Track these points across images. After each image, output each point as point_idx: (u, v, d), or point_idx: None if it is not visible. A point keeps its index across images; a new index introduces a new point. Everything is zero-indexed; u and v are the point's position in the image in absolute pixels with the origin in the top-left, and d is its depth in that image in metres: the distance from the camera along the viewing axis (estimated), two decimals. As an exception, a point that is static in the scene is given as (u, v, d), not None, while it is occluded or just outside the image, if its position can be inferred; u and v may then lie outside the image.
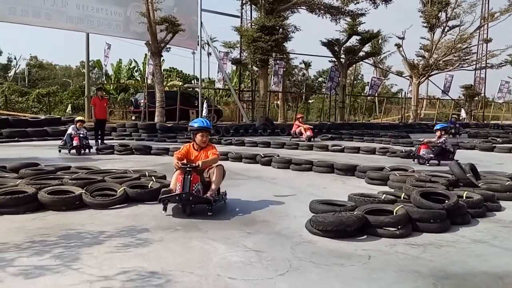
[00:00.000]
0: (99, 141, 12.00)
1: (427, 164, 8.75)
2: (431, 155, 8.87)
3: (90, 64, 24.69)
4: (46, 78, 44.33)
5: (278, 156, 8.58)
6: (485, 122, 31.42)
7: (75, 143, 10.06)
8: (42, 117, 17.35)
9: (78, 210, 4.57)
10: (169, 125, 16.91)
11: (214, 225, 4.09)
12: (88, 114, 19.17)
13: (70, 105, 18.58)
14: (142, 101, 20.03)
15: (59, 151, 10.40)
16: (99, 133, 12.25)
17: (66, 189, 4.87)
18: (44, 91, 30.14)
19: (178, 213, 4.42)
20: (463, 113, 30.87)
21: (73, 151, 10.09)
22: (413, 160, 9.16)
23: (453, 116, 17.72)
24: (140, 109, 20.12)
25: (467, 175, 5.64)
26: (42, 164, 6.81)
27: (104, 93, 15.70)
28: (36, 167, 6.46)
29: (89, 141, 10.64)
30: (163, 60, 24.45)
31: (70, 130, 10.38)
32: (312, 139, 14.60)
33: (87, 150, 10.33)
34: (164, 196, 4.35)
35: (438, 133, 9.16)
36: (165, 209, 4.42)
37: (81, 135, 10.19)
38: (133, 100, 22.94)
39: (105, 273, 2.85)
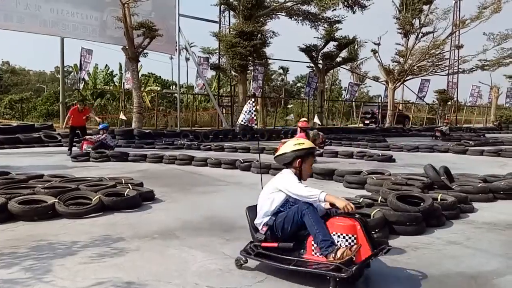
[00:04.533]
0: (71, 150, 11.14)
1: None
2: None
3: (66, 69, 24.18)
4: (19, 83, 43.03)
5: (258, 161, 8.56)
6: (458, 125, 32.35)
7: None
8: (14, 124, 16.81)
9: (50, 220, 4.42)
10: (146, 131, 16.67)
11: (192, 232, 4.04)
12: (63, 121, 18.67)
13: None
14: (376, 111, 29.39)
15: None
16: (79, 139, 11.88)
17: (38, 198, 4.71)
18: (16, 97, 29.29)
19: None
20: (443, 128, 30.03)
21: None
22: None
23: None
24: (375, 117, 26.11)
25: (441, 177, 5.77)
26: (13, 173, 6.58)
27: (85, 106, 12.66)
28: (7, 175, 6.24)
29: None
30: (141, 65, 24.21)
31: None
32: None
33: None
34: None
35: None
36: None
37: None
38: (370, 110, 31.09)
39: (78, 285, 2.76)
